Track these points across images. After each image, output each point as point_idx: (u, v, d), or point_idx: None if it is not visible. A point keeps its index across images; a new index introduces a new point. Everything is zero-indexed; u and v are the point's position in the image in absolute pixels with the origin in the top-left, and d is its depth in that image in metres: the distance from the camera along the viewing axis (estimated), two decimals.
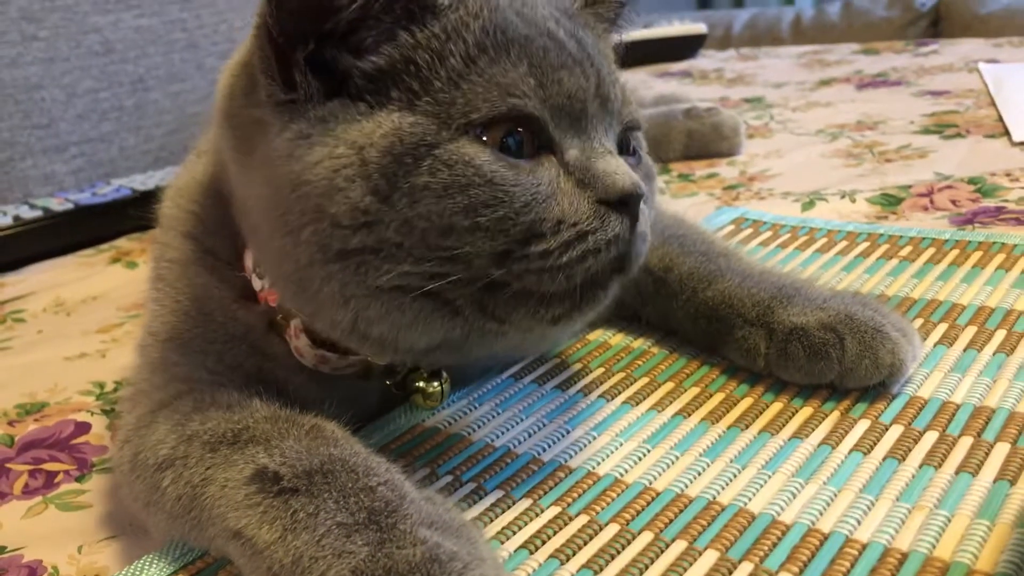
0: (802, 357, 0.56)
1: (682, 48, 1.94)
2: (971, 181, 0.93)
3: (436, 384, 0.57)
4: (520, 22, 0.47)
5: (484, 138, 0.44)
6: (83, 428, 0.65)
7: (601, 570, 0.43)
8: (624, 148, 0.52)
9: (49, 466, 0.61)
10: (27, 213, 1.08)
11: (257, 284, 0.53)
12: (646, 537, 0.45)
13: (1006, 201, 0.86)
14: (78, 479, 0.59)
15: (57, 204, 1.11)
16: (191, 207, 0.58)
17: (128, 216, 1.11)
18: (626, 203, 0.46)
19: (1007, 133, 1.09)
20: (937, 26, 2.67)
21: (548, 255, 0.44)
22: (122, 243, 1.11)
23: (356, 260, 0.44)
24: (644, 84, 1.74)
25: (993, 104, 1.25)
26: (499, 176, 0.43)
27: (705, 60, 1.96)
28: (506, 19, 0.46)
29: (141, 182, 1.19)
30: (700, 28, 1.96)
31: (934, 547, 0.42)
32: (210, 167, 0.57)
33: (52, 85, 1.47)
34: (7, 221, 1.06)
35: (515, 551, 0.45)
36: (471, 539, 0.41)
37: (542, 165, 0.46)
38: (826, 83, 1.57)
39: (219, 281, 0.55)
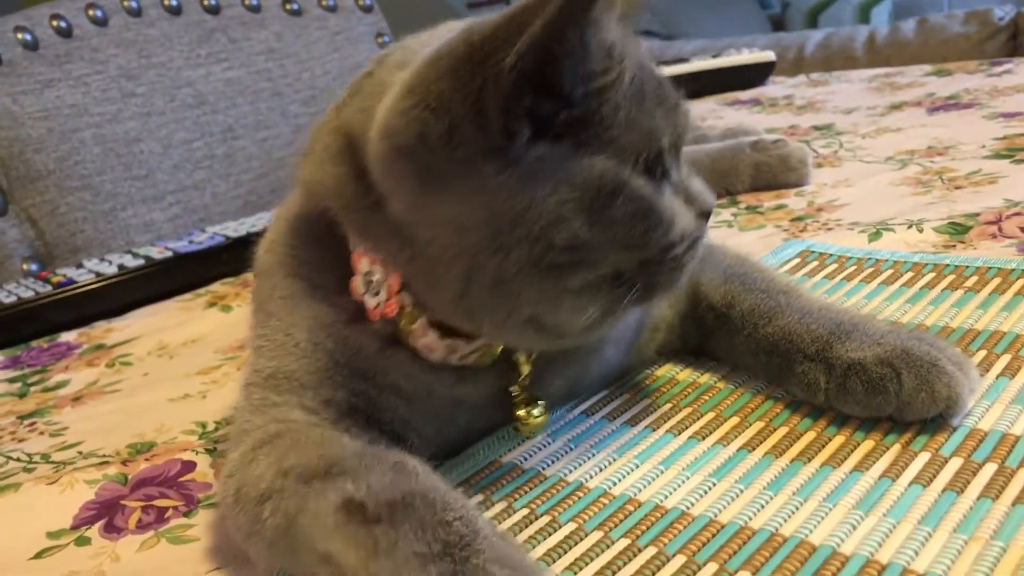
0: (860, 392, 0.58)
1: (752, 76, 1.95)
2: None
3: (537, 413, 0.63)
4: (647, 70, 0.57)
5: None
6: (189, 466, 0.70)
7: None
8: None
9: (159, 502, 0.66)
10: (130, 262, 1.16)
11: (371, 302, 0.58)
12: (711, 568, 0.48)
13: None
14: (186, 514, 0.65)
15: (157, 252, 1.19)
16: (290, 252, 0.63)
17: (222, 261, 1.20)
18: (709, 214, 0.60)
19: None
20: (1016, 40, 2.63)
21: (676, 259, 0.56)
22: (217, 287, 1.18)
23: (559, 270, 0.53)
24: (714, 114, 1.76)
25: None
26: (658, 205, 0.54)
27: (775, 87, 1.97)
28: (643, 71, 0.56)
29: (233, 229, 1.26)
30: (769, 56, 1.97)
31: None
32: (298, 221, 0.63)
33: (149, 138, 1.57)
34: (113, 270, 1.14)
35: None
36: None
37: (668, 189, 0.57)
38: (897, 107, 1.56)
39: (330, 306, 0.60)
